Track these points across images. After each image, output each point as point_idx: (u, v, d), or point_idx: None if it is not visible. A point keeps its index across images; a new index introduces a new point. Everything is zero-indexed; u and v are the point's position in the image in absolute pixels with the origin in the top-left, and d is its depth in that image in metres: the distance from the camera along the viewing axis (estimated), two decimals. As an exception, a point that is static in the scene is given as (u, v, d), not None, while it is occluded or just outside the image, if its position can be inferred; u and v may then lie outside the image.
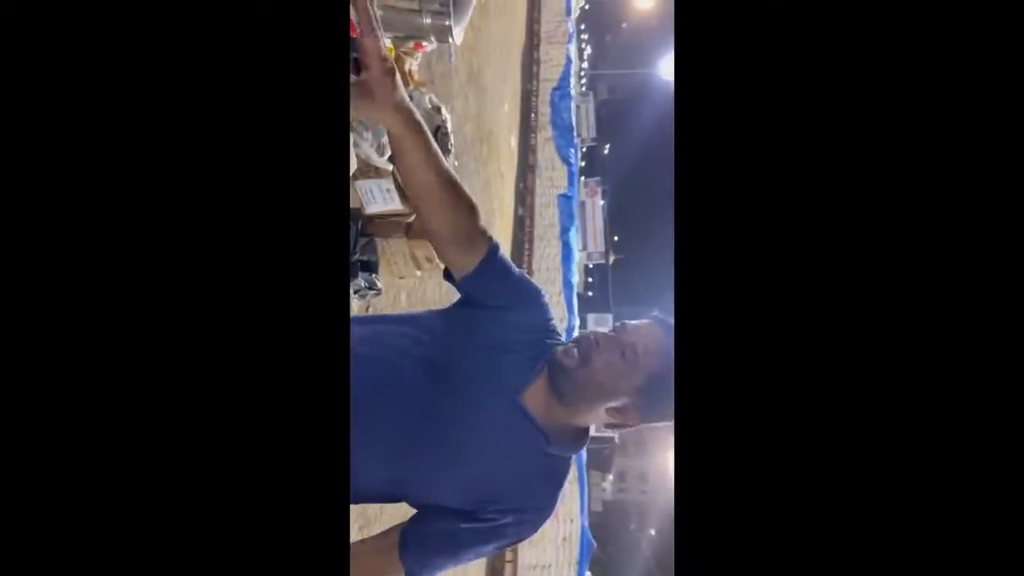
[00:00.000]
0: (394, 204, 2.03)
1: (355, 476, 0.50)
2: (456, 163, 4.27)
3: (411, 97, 2.01)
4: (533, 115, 9.09)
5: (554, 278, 7.91)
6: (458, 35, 1.41)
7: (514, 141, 7.91)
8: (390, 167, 1.85)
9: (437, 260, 2.56)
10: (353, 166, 1.90)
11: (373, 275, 2.36)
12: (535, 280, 0.83)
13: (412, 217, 2.26)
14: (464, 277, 0.75)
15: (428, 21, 1.32)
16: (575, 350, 0.70)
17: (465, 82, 4.61)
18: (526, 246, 7.94)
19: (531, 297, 0.78)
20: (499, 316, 0.75)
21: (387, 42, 1.75)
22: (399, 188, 1.99)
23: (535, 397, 0.72)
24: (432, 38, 1.38)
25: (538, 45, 10.24)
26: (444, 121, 2.13)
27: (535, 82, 9.63)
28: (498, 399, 0.71)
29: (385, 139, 1.78)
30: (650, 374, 0.69)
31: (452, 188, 0.72)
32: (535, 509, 0.73)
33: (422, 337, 0.74)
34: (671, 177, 0.47)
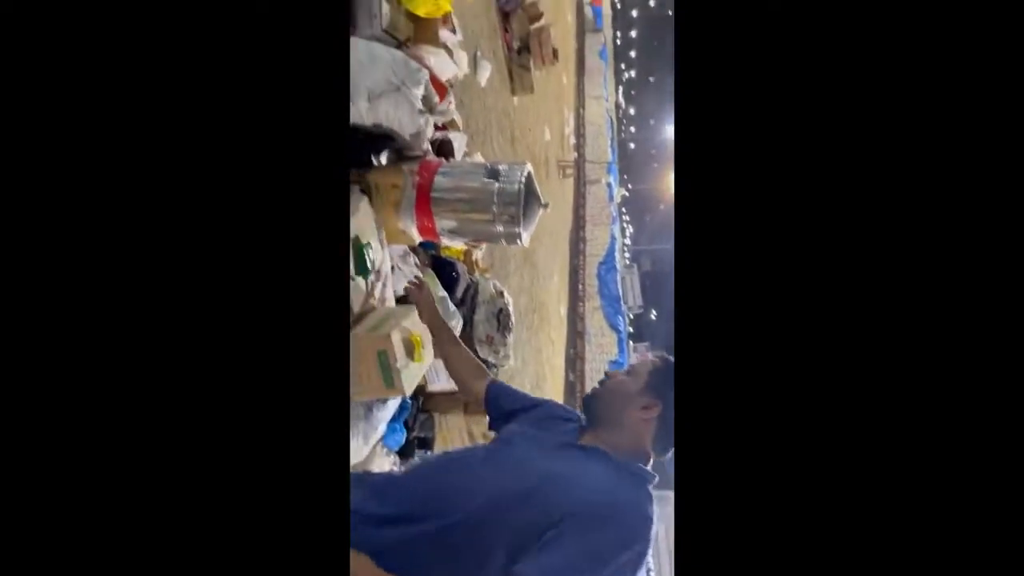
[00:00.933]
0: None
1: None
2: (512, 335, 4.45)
3: (477, 283, 2.20)
4: (581, 286, 9.57)
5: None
6: (526, 239, 1.58)
7: (563, 310, 8.22)
8: (457, 348, 1.94)
9: (492, 436, 2.37)
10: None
11: (428, 452, 2.32)
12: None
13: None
14: (484, 400, 0.99)
15: (500, 229, 1.51)
16: (595, 386, 0.89)
17: (521, 263, 5.02)
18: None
19: (541, 399, 0.98)
20: (527, 417, 0.91)
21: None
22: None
23: (586, 440, 0.84)
24: (503, 242, 1.55)
25: (584, 227, 11.22)
26: (506, 304, 2.28)
27: (582, 258, 10.33)
28: (557, 447, 0.82)
29: (453, 323, 1.90)
30: (653, 370, 0.85)
31: (463, 354, 1.09)
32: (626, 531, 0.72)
33: (477, 452, 0.88)
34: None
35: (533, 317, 5.58)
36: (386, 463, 1.97)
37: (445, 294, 1.87)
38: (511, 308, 2.30)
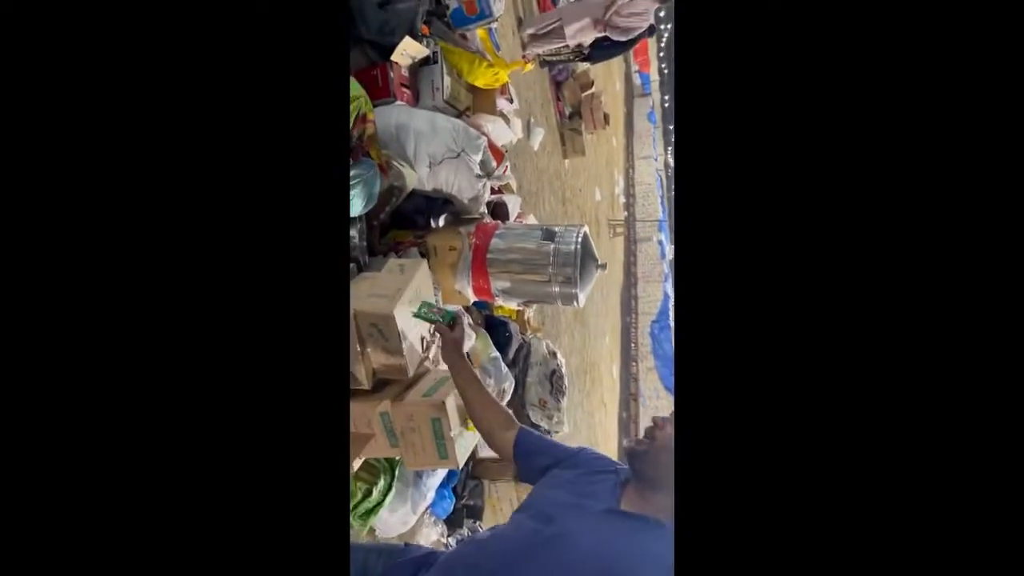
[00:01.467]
0: (508, 448, 2.01)
1: None
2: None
3: (529, 344, 2.15)
4: (633, 346, 9.29)
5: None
6: (582, 299, 1.54)
7: (616, 371, 7.95)
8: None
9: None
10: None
11: (477, 522, 2.20)
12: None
13: (524, 460, 2.20)
14: (514, 453, 0.89)
15: (556, 290, 1.48)
16: (643, 437, 0.78)
17: (572, 322, 4.94)
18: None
19: (576, 448, 0.89)
20: (563, 476, 0.83)
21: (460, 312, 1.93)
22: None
23: (631, 499, 0.76)
24: (559, 303, 1.51)
25: (635, 284, 11.05)
26: (559, 365, 2.21)
27: (634, 316, 10.10)
28: (601, 518, 0.74)
29: (506, 385, 1.85)
30: None
31: (488, 400, 0.96)
32: None
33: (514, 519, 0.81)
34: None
35: (585, 379, 5.42)
36: (433, 532, 1.88)
37: (498, 354, 1.84)
38: (564, 369, 2.22)
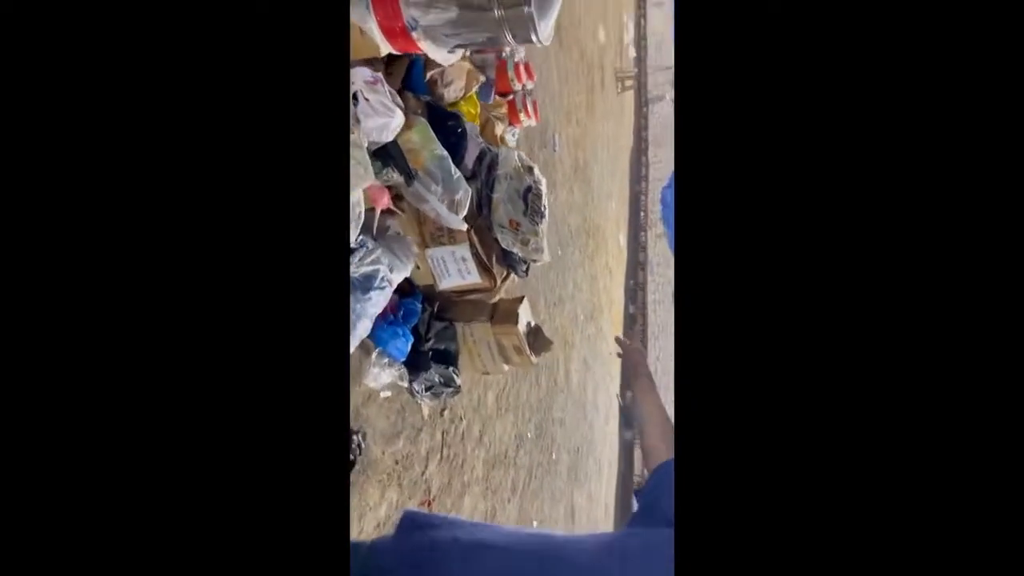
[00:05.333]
0: (471, 277, 1.64)
1: None
2: (560, 252, 3.95)
3: (496, 152, 1.69)
4: (643, 214, 8.80)
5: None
6: (544, 32, 1.05)
7: (623, 239, 7.56)
8: (464, 227, 1.48)
9: (529, 352, 1.90)
10: (420, 230, 1.58)
11: (451, 368, 1.93)
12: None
13: (498, 294, 1.85)
14: (652, 471, 0.79)
15: (499, 13, 0.98)
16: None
17: (570, 174, 4.43)
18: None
19: None
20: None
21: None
22: (476, 256, 1.60)
23: None
24: (510, 37, 1.03)
25: (647, 150, 10.25)
26: (536, 183, 1.78)
27: (644, 183, 9.48)
28: None
29: (459, 195, 1.43)
30: None
31: (659, 406, 0.87)
32: None
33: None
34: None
35: (588, 241, 5.03)
36: (386, 374, 1.61)
37: (445, 153, 1.40)
38: (543, 188, 1.79)
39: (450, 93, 1.59)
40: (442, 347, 1.92)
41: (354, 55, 1.13)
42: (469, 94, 1.68)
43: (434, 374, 1.88)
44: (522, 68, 2.50)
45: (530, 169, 1.78)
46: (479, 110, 1.82)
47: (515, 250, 1.69)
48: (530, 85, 2.66)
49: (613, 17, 7.52)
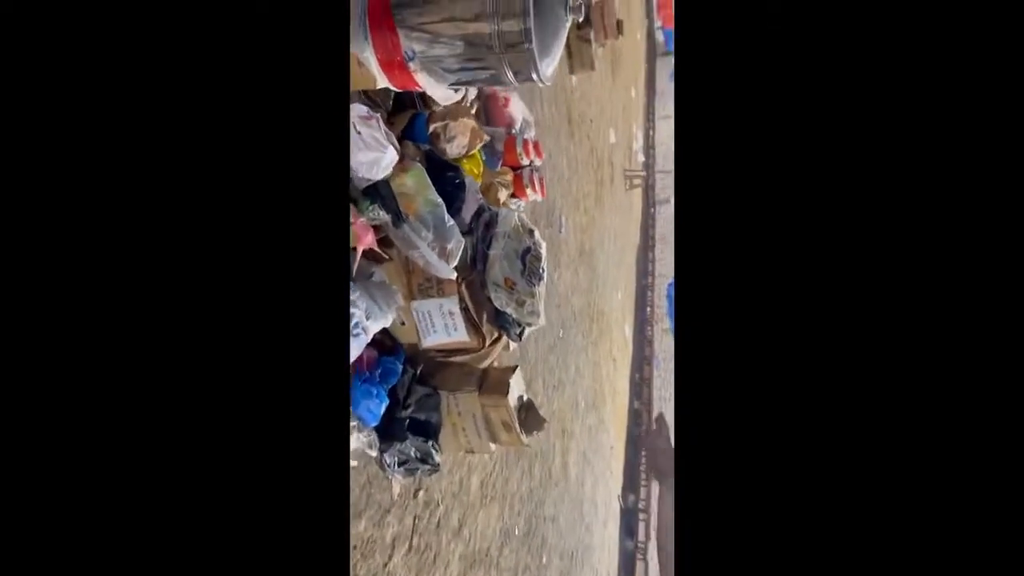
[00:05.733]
0: (458, 334, 1.51)
1: None
2: (562, 333, 3.82)
3: (497, 212, 1.64)
4: (649, 308, 8.75)
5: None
6: (546, 72, 1.02)
7: (629, 331, 7.44)
8: (453, 275, 1.38)
9: (519, 429, 1.72)
10: (407, 283, 1.48)
11: (431, 443, 1.73)
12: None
13: (489, 359, 1.70)
14: None
15: (496, 46, 0.96)
16: None
17: (576, 257, 4.42)
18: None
19: None
20: None
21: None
22: (466, 312, 1.49)
23: None
24: (511, 76, 1.00)
25: (653, 247, 10.45)
26: (536, 246, 1.70)
27: (651, 278, 9.54)
28: None
29: (451, 244, 1.35)
30: None
31: None
32: None
33: None
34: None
35: (591, 326, 4.91)
36: (353, 439, 1.42)
37: (441, 201, 1.34)
38: (543, 252, 1.71)
39: (452, 149, 1.57)
40: (422, 417, 1.74)
41: (353, 87, 1.11)
42: (472, 152, 1.67)
43: (410, 447, 1.68)
44: (531, 145, 2.56)
45: (530, 232, 1.72)
46: (482, 171, 1.80)
47: (509, 310, 1.58)
48: (538, 162, 2.71)
49: (623, 126, 8.01)
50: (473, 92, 2.00)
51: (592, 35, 4.25)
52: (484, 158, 2.08)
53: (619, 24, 4.36)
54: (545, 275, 1.71)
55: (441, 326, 1.46)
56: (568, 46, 4.28)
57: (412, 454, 1.69)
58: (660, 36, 15.03)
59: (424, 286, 1.44)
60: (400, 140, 1.43)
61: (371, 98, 1.29)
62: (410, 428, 1.68)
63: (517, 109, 2.58)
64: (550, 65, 1.05)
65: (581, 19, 1.01)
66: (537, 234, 1.75)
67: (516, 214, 1.69)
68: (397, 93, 1.46)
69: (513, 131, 2.50)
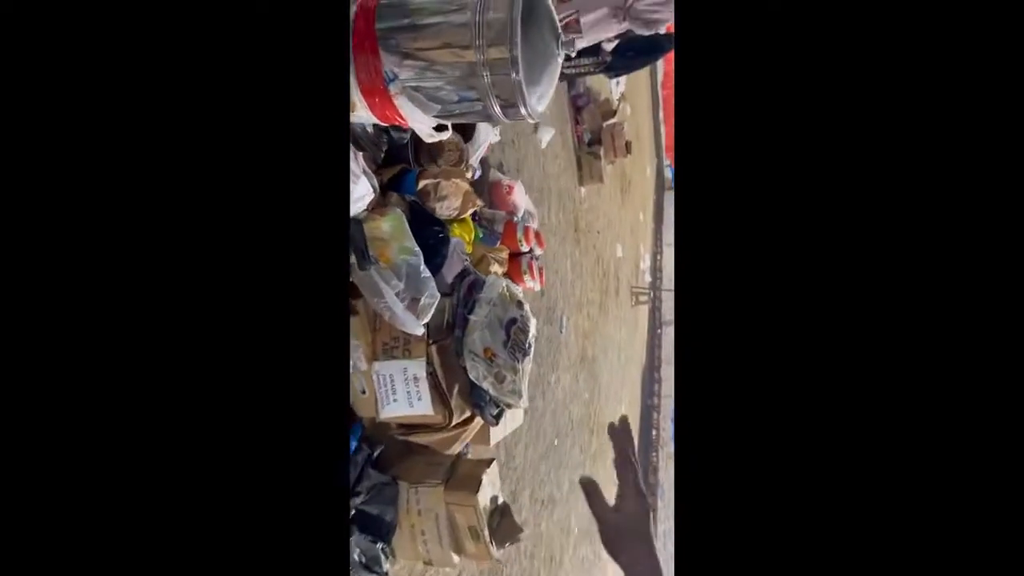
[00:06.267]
0: (421, 406, 1.30)
1: None
2: (556, 442, 3.48)
3: (484, 279, 1.53)
4: (654, 431, 8.25)
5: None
6: (535, 107, 0.96)
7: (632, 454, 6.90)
8: (421, 331, 1.22)
9: (488, 538, 1.46)
10: (367, 343, 1.30)
11: (381, 545, 1.43)
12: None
13: (457, 444, 1.46)
14: None
15: (486, 79, 0.91)
16: None
17: (576, 363, 4.21)
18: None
19: None
20: None
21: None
22: (433, 378, 1.29)
23: None
24: (498, 109, 0.94)
25: (659, 367, 10.20)
26: (524, 317, 1.56)
27: (656, 399, 9.14)
28: None
29: (424, 298, 1.21)
30: None
31: None
32: None
33: None
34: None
35: (591, 439, 4.54)
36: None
37: (419, 251, 1.23)
38: (531, 326, 1.56)
39: (442, 209, 1.50)
40: (375, 511, 1.46)
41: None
42: (464, 216, 1.60)
43: (355, 547, 1.38)
44: (532, 232, 2.53)
45: (519, 302, 1.58)
46: (474, 239, 1.72)
47: (486, 385, 1.38)
48: (539, 251, 2.66)
49: (631, 243, 8.25)
50: (477, 166, 2.01)
51: (602, 152, 4.51)
52: (481, 235, 2.03)
53: (628, 145, 4.64)
54: (532, 352, 1.54)
55: (403, 394, 1.26)
56: (578, 159, 4.52)
57: (356, 556, 1.38)
58: (668, 173, 16.20)
59: (390, 345, 1.28)
60: (385, 191, 1.36)
61: (359, 143, 1.24)
62: (359, 522, 1.40)
63: (521, 198, 2.60)
64: (540, 100, 0.99)
65: (573, 54, 0.97)
66: (527, 307, 1.61)
67: (505, 282, 1.57)
68: (389, 147, 1.43)
69: (515, 218, 2.48)
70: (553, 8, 0.96)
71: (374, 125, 1.30)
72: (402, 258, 1.21)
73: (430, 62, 0.95)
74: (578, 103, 4.50)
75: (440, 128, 1.07)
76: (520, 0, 0.88)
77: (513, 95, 0.94)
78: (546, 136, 3.47)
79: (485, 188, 2.36)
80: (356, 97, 1.01)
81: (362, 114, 1.05)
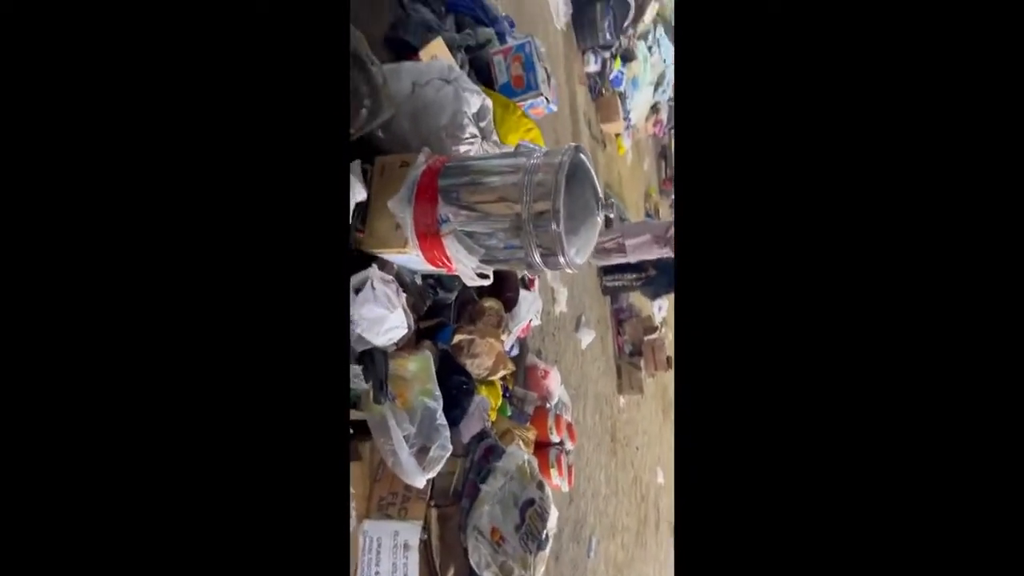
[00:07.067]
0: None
1: None
2: None
3: (503, 450, 1.40)
4: None
5: None
6: (574, 259, 1.01)
7: None
8: (422, 484, 1.07)
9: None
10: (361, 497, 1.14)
11: None
12: None
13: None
14: None
15: (530, 225, 0.99)
16: None
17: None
18: None
19: None
20: None
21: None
22: (427, 551, 1.08)
23: None
24: (537, 257, 0.99)
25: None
26: (542, 499, 1.36)
27: None
28: None
29: (434, 449, 1.11)
30: None
31: None
32: None
33: None
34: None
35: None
36: None
37: (438, 396, 1.16)
38: (551, 515, 1.35)
39: (473, 366, 1.47)
40: None
41: (382, 246, 1.14)
42: (493, 378, 1.55)
43: None
44: (564, 423, 2.38)
45: (540, 483, 1.41)
46: (499, 406, 1.63)
47: (488, 575, 1.14)
48: (569, 445, 2.46)
49: (670, 469, 7.59)
50: (515, 343, 2.02)
51: (643, 363, 4.50)
52: (509, 412, 1.93)
53: (669, 359, 4.64)
54: (548, 546, 1.30)
55: (387, 566, 1.05)
56: (618, 367, 4.51)
57: None
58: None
59: (386, 501, 1.11)
60: (420, 338, 1.37)
61: (406, 287, 1.31)
62: None
63: (556, 385, 2.53)
64: (579, 254, 1.04)
65: (612, 216, 1.05)
66: (548, 489, 1.42)
67: (527, 456, 1.42)
68: (433, 303, 1.49)
69: (548, 404, 2.39)
70: (596, 176, 1.08)
71: (423, 277, 1.38)
72: (420, 399, 1.14)
73: (483, 213, 1.05)
74: (620, 316, 4.71)
75: (482, 275, 1.12)
76: (565, 165, 1.00)
77: (553, 244, 1.00)
78: (587, 337, 3.55)
79: (521, 369, 2.34)
80: (410, 237, 1.10)
81: (412, 255, 1.13)
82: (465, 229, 1.05)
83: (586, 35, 4.38)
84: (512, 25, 2.28)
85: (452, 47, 1.66)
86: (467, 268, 1.08)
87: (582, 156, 1.04)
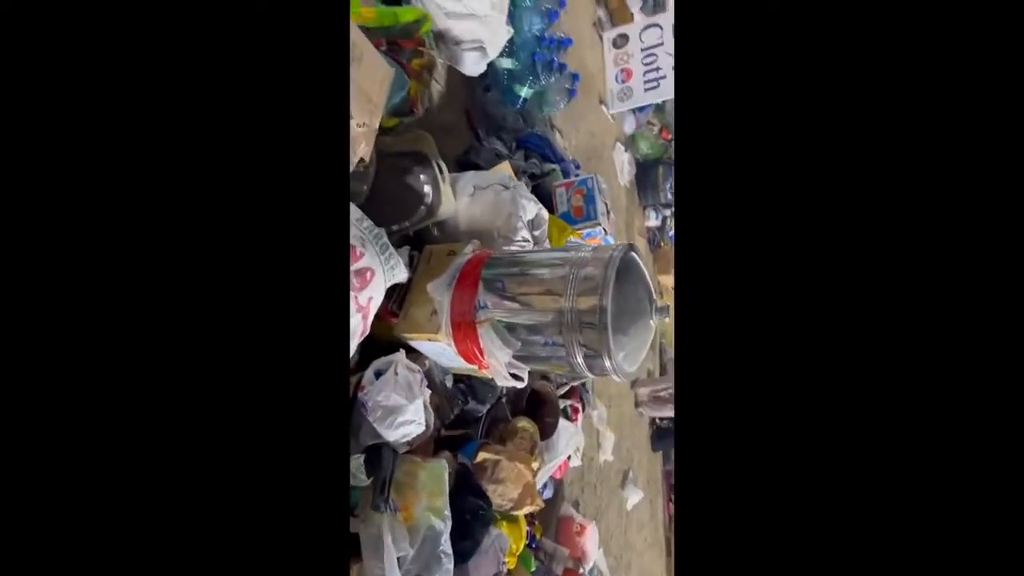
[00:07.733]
0: None
1: None
2: None
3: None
4: None
5: None
6: (622, 366, 0.90)
7: None
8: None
9: None
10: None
11: None
12: None
13: None
14: None
15: (576, 327, 0.90)
16: None
17: None
18: None
19: None
20: None
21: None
22: None
23: None
24: (580, 359, 0.89)
25: None
26: None
27: None
28: None
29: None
30: None
31: None
32: None
33: None
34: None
35: None
36: None
37: (447, 517, 0.97)
38: None
39: (495, 494, 1.27)
40: None
41: (414, 331, 1.06)
42: (517, 513, 1.32)
43: None
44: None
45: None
46: (521, 551, 1.36)
47: None
48: None
49: None
50: (548, 483, 1.77)
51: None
52: (534, 568, 1.63)
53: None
54: None
55: None
56: (667, 541, 3.87)
57: None
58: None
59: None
60: (439, 447, 1.22)
61: (433, 386, 1.21)
62: None
63: (593, 546, 2.15)
64: (627, 359, 0.92)
65: (666, 319, 0.94)
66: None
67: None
68: (461, 412, 1.36)
69: (582, 568, 2.01)
70: (649, 277, 1.00)
71: (455, 381, 1.28)
72: (426, 515, 0.96)
73: (525, 305, 0.98)
74: (673, 480, 4.19)
75: (516, 376, 1.01)
76: (616, 260, 0.93)
77: (599, 345, 0.89)
78: (634, 497, 3.13)
79: (552, 517, 2.03)
80: (444, 323, 1.03)
81: (444, 342, 1.05)
82: (504, 320, 0.97)
83: (648, 194, 4.65)
84: (578, 167, 2.44)
85: (517, 171, 1.75)
86: (500, 364, 0.98)
87: (634, 255, 0.97)
